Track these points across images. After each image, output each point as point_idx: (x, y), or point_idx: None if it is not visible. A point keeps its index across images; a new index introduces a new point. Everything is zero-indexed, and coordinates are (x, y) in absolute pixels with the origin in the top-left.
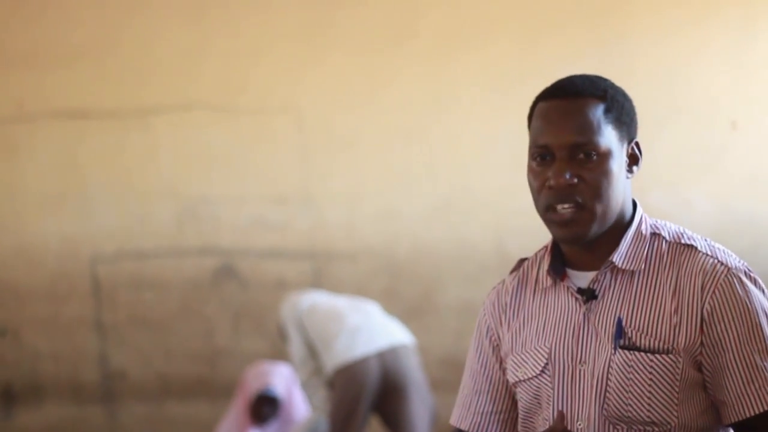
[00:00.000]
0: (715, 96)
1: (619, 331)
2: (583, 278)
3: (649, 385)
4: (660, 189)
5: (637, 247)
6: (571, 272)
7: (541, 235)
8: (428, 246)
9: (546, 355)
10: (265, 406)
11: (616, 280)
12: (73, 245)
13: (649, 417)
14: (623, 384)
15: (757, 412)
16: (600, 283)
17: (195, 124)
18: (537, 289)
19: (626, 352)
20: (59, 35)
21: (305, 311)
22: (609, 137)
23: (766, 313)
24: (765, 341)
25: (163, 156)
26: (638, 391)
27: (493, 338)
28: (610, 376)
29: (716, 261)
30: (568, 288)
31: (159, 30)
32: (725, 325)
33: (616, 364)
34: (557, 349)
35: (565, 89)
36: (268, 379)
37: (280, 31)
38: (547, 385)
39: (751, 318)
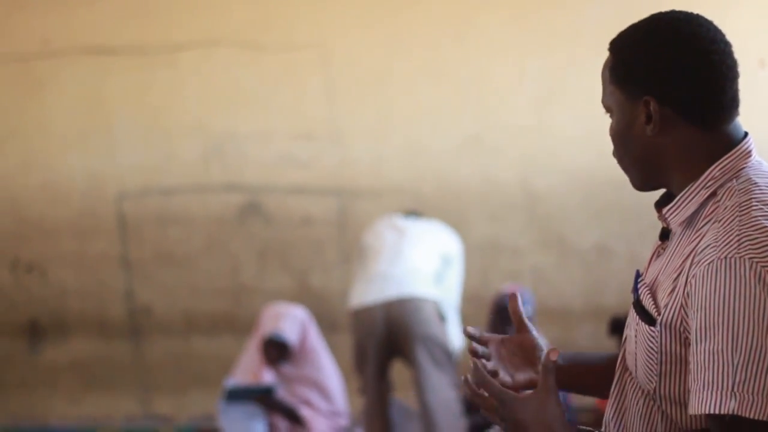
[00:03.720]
0: (743, 34)
1: (636, 284)
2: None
3: (635, 347)
4: None
5: (687, 206)
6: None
7: (567, 173)
8: (454, 183)
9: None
10: (275, 349)
11: (675, 231)
12: (99, 182)
13: (635, 373)
14: (629, 336)
15: (692, 412)
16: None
17: (221, 60)
18: None
19: (633, 306)
20: None
21: (362, 240)
22: (612, 94)
23: (749, 313)
24: (722, 342)
25: (189, 93)
26: (632, 347)
27: None
28: (629, 324)
29: (716, 243)
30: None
31: None
32: (693, 312)
33: (630, 315)
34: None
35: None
36: (280, 324)
37: None
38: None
39: (713, 312)
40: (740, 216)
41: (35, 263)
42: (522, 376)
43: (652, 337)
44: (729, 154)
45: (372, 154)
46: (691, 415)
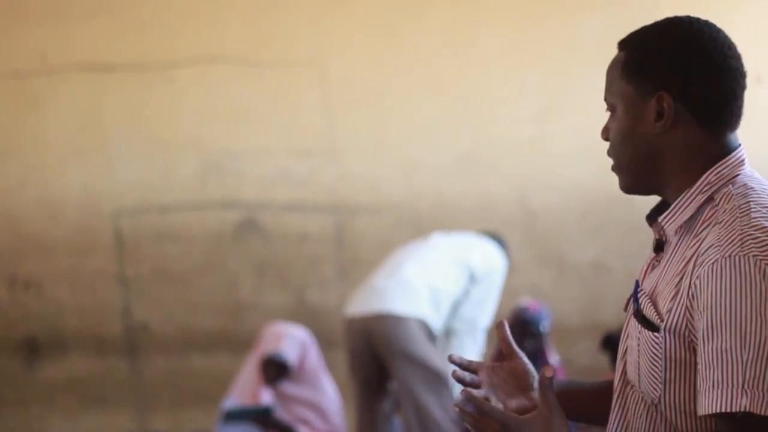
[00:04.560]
0: (740, 50)
1: (636, 293)
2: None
3: (638, 356)
4: None
5: (683, 211)
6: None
7: (564, 189)
8: (451, 199)
9: (627, 299)
10: (273, 369)
11: (671, 239)
12: (96, 198)
13: (638, 385)
14: (630, 346)
15: (701, 412)
16: (664, 238)
17: (219, 77)
18: None
19: (634, 316)
20: None
21: None
22: (620, 91)
23: (751, 310)
24: (730, 340)
25: (186, 109)
26: (634, 358)
27: None
28: (630, 334)
29: (719, 244)
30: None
31: None
32: (699, 313)
33: (631, 325)
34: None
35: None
36: (279, 344)
37: None
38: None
39: (719, 312)
40: (741, 217)
41: (32, 280)
42: (514, 403)
43: (657, 344)
44: (725, 161)
45: (369, 170)
46: (699, 420)
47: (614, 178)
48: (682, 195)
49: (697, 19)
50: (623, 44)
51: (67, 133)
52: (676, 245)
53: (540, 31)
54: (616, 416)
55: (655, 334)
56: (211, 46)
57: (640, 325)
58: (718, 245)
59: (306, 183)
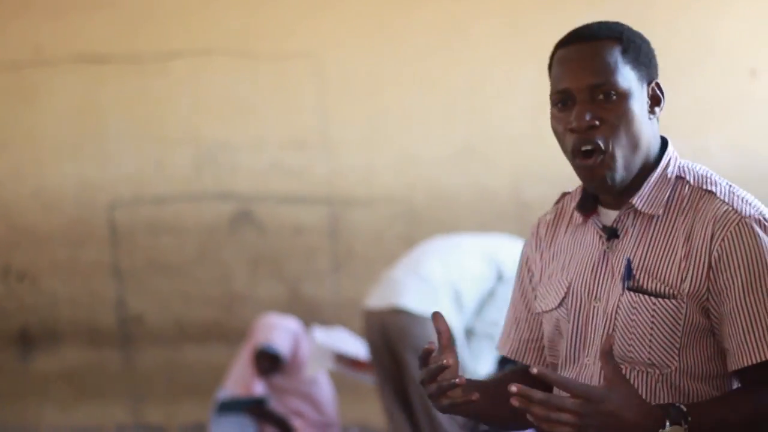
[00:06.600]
0: (734, 44)
1: (628, 273)
2: (610, 216)
3: (651, 328)
4: (679, 137)
5: (660, 190)
6: (601, 209)
7: (559, 183)
8: (446, 193)
9: (565, 289)
10: (266, 361)
11: (636, 221)
12: (91, 190)
13: (649, 359)
14: (627, 325)
15: (755, 361)
16: (622, 223)
17: (214, 69)
18: (571, 223)
19: (632, 293)
20: None
21: None
22: (627, 77)
23: None
24: None
25: (181, 101)
26: (640, 333)
27: (531, 267)
28: (617, 316)
29: (730, 208)
30: (594, 225)
31: None
32: (731, 273)
33: (624, 304)
34: (576, 284)
35: (581, 34)
36: (271, 335)
37: None
38: (563, 317)
39: (756, 267)
40: (721, 185)
41: (27, 271)
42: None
43: (676, 310)
44: (668, 144)
45: (364, 163)
46: (711, 382)
47: None
48: (650, 178)
49: None
50: (612, 33)
51: (62, 124)
52: (658, 223)
53: (535, 24)
54: None
55: (674, 301)
56: (207, 39)
57: (651, 298)
58: (729, 210)
59: (301, 175)
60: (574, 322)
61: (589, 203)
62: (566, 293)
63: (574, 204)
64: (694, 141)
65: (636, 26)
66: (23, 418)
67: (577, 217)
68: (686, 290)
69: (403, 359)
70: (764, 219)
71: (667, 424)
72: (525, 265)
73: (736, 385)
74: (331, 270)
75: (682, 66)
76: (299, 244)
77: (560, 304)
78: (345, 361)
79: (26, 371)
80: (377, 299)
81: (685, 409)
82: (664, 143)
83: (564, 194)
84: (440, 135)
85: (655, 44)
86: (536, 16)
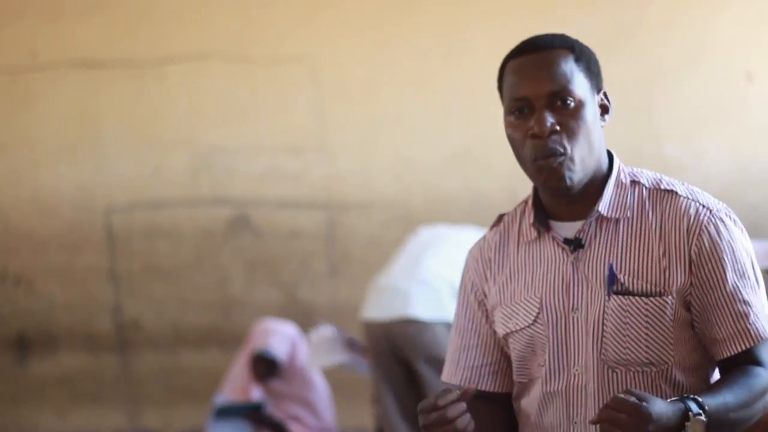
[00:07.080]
0: (730, 47)
1: (612, 277)
2: (567, 229)
3: (646, 328)
4: (675, 141)
5: (620, 195)
6: (554, 224)
7: None
8: (443, 197)
9: (537, 305)
10: (263, 366)
11: (601, 228)
12: (87, 195)
13: (647, 358)
14: (620, 328)
15: (746, 346)
16: (586, 233)
17: (210, 73)
18: (521, 242)
19: (620, 297)
20: None
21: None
22: (582, 85)
23: (747, 252)
24: (750, 278)
25: (178, 106)
26: (635, 333)
27: (478, 293)
28: (605, 321)
29: (698, 204)
30: (554, 239)
31: None
32: (713, 265)
33: (611, 309)
34: (548, 298)
35: (534, 44)
36: (269, 340)
37: None
38: (540, 333)
39: (735, 257)
40: (677, 184)
41: (23, 276)
42: None
43: (666, 306)
44: (609, 153)
45: (360, 167)
46: (697, 373)
47: None
48: (608, 185)
49: None
50: (562, 42)
51: (59, 129)
52: (625, 226)
53: (531, 28)
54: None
55: (662, 298)
56: (203, 43)
57: (641, 298)
58: (700, 207)
59: (297, 180)
60: (553, 335)
61: (542, 219)
62: (539, 309)
63: (519, 223)
64: (690, 144)
65: (632, 30)
66: (20, 423)
67: (527, 234)
68: (673, 286)
69: (417, 368)
70: (728, 211)
71: (691, 415)
72: (470, 292)
73: (713, 373)
74: (328, 274)
75: (678, 69)
76: (296, 249)
77: (534, 321)
78: (356, 347)
79: (23, 376)
80: (381, 310)
81: (700, 399)
82: (609, 153)
83: (501, 216)
84: (437, 139)
85: (650, 48)
86: (532, 20)
